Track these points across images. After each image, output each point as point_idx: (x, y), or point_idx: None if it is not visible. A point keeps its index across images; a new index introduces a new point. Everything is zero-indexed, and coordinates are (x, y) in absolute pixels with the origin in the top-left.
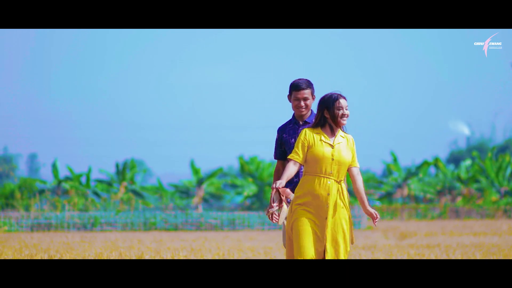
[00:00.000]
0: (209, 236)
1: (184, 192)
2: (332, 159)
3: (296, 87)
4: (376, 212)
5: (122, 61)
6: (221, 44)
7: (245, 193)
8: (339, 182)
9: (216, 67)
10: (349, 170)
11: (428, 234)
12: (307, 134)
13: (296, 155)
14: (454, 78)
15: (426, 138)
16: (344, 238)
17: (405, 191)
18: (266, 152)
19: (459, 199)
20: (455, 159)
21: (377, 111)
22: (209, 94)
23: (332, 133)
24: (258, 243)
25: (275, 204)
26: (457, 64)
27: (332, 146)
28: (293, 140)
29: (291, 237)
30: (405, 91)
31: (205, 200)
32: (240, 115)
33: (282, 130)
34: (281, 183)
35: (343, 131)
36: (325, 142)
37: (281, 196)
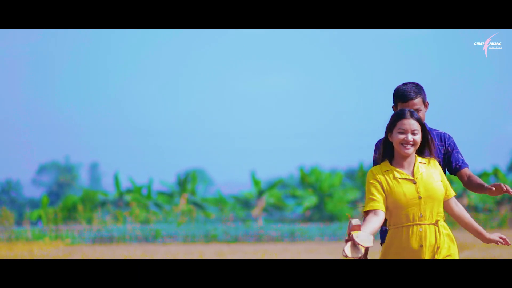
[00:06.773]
0: (269, 248)
1: (245, 203)
2: (420, 198)
3: (402, 98)
4: (500, 235)
5: (181, 68)
6: (279, 49)
7: (305, 204)
8: (436, 224)
9: (276, 74)
10: (444, 203)
11: (486, 245)
12: (375, 176)
13: (373, 202)
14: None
15: (486, 146)
16: None
17: (465, 201)
18: (326, 160)
19: None
20: None
21: (433, 121)
22: (268, 102)
23: (408, 163)
24: (318, 256)
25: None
26: None
27: (413, 181)
28: None
29: None
30: (460, 98)
31: (265, 210)
32: (299, 123)
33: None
34: (356, 220)
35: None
36: (401, 178)
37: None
